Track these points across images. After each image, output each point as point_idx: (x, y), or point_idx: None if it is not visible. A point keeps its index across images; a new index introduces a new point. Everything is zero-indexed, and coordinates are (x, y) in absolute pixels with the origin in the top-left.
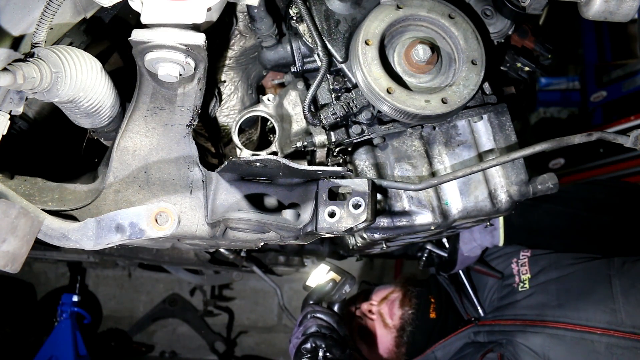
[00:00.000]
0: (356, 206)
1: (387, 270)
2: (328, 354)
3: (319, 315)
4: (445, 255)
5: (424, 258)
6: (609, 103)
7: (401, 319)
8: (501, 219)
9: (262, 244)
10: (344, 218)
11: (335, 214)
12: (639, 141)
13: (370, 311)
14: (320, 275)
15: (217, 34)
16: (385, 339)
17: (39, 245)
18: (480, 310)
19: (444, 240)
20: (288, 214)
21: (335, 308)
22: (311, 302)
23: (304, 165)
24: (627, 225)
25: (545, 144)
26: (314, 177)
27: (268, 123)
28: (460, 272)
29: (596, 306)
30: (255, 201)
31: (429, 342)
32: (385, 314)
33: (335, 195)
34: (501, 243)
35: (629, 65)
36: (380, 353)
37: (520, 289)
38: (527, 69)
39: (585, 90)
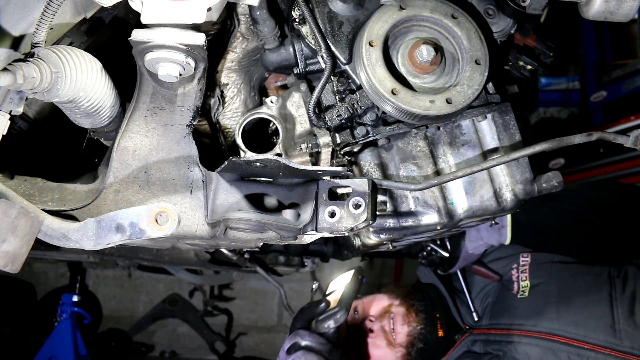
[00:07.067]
0: (356, 206)
1: (387, 270)
2: None
3: (307, 343)
4: (447, 254)
5: (424, 254)
6: (609, 103)
7: (409, 336)
8: (509, 217)
9: (261, 244)
10: (344, 218)
11: (335, 214)
12: (639, 141)
13: (371, 330)
14: (342, 280)
15: (219, 36)
16: (389, 358)
17: (39, 245)
18: (474, 315)
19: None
20: (288, 214)
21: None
22: (299, 327)
23: (303, 165)
24: (628, 225)
25: (545, 144)
26: (314, 177)
27: (271, 125)
28: (458, 272)
29: (596, 323)
30: (255, 201)
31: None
32: (389, 332)
33: (335, 196)
34: (508, 241)
35: (629, 65)
36: None
37: (519, 296)
38: (529, 67)
39: (585, 90)
